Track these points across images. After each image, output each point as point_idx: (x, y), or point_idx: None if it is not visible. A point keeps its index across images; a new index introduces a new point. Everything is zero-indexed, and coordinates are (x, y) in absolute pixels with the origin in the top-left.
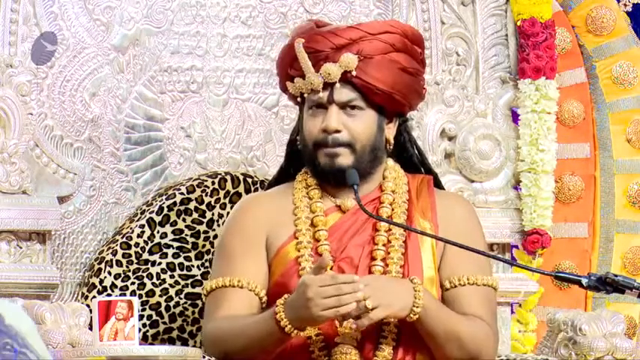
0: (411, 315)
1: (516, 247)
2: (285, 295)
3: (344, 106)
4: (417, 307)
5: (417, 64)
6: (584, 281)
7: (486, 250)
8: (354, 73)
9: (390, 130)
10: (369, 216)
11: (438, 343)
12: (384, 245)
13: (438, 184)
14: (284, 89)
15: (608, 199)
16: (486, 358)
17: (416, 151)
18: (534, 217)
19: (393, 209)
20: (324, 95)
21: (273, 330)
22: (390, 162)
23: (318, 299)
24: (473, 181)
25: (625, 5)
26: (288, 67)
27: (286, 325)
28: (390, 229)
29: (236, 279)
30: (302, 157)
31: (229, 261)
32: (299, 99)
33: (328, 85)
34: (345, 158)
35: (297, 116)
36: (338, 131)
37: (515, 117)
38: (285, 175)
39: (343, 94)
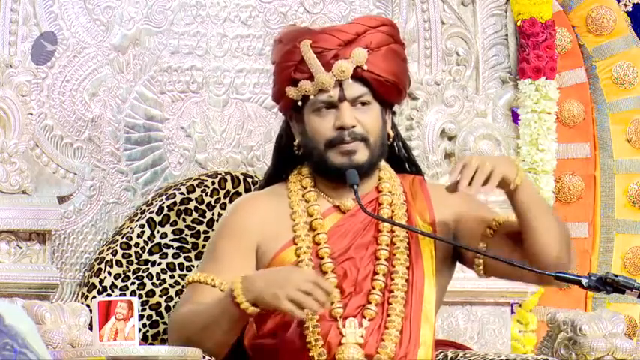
0: (519, 175)
1: None
2: (250, 273)
3: (354, 101)
4: (519, 166)
5: (405, 52)
6: (584, 281)
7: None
8: (365, 67)
9: (389, 123)
10: (370, 216)
11: (543, 227)
12: (387, 245)
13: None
14: (280, 96)
15: (608, 199)
16: (569, 254)
17: (401, 144)
18: None
19: (393, 211)
20: (334, 93)
21: (228, 306)
22: (382, 162)
23: (291, 287)
24: None
25: (625, 5)
26: (291, 71)
27: (242, 302)
28: (392, 230)
29: (210, 277)
30: (292, 162)
31: (215, 261)
32: (300, 103)
33: (337, 83)
34: (362, 154)
35: (283, 124)
36: (353, 127)
37: (515, 117)
38: (274, 181)
39: (355, 89)
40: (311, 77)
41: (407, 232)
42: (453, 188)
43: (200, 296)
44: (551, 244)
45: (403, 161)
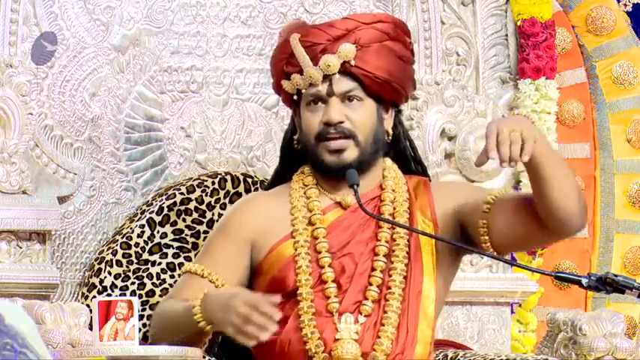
0: (537, 136)
1: None
2: (212, 292)
3: (344, 97)
4: (532, 118)
5: (409, 53)
6: (584, 281)
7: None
8: (352, 62)
9: (388, 121)
10: (369, 216)
11: (561, 176)
12: (386, 242)
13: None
14: (279, 89)
15: (608, 199)
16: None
17: (408, 144)
18: None
19: (394, 207)
20: (322, 88)
21: (190, 319)
22: (388, 161)
23: (231, 313)
24: (473, 181)
25: (625, 5)
26: (284, 65)
27: (200, 321)
28: (393, 227)
29: (201, 268)
30: (298, 159)
31: (208, 255)
32: (295, 97)
33: (326, 78)
34: (350, 153)
35: (291, 119)
36: (340, 122)
37: None
38: (281, 179)
39: (343, 84)
40: (301, 71)
41: None
42: (483, 161)
43: (192, 289)
44: (569, 194)
45: (409, 160)
